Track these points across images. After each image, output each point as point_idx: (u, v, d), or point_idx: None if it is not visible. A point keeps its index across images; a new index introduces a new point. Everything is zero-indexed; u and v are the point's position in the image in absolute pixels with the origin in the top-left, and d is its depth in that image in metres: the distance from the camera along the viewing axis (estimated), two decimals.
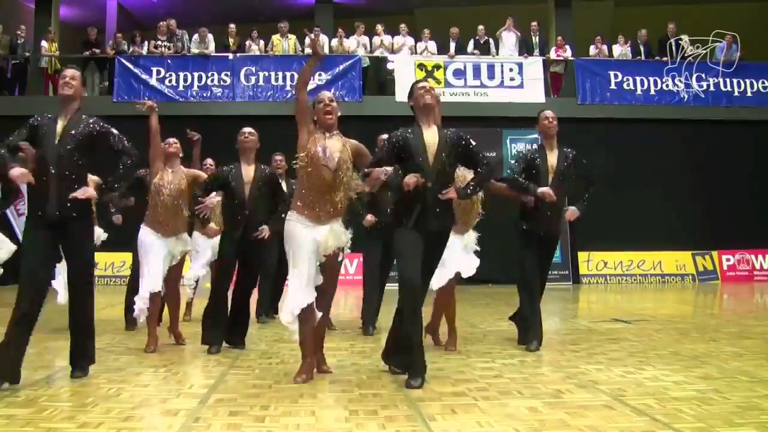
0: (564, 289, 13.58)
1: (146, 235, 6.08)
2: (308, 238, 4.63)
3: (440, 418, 3.71)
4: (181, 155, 6.31)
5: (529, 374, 4.92)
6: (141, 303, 6.02)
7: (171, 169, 6.18)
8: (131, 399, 4.15)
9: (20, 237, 13.33)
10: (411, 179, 4.53)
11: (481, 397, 4.20)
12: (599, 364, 5.30)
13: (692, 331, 7.22)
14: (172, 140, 6.30)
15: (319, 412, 3.86)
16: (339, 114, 4.84)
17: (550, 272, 6.40)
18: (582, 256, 15.07)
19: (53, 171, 4.53)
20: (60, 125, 4.63)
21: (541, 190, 5.77)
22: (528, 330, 6.01)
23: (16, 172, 4.37)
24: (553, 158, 5.97)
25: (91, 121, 4.74)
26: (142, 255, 6.08)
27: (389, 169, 4.52)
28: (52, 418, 3.69)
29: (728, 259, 15.47)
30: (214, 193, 5.97)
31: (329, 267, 4.80)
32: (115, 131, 4.82)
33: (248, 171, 5.99)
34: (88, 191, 4.62)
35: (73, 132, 4.62)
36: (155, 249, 6.02)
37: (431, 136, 4.73)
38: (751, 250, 15.46)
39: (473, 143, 4.85)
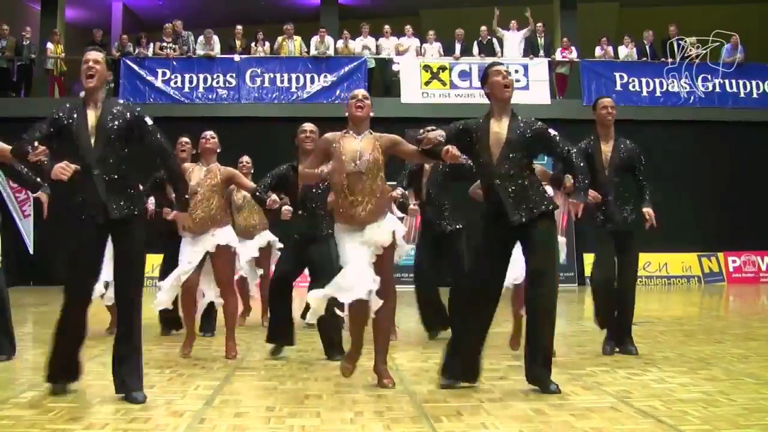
0: (570, 291, 13.56)
1: (183, 237, 5.72)
2: (356, 241, 4.47)
3: (446, 419, 3.71)
4: (218, 150, 5.88)
5: None
6: (164, 295, 5.63)
7: (205, 166, 5.79)
8: None
9: (26, 239, 13.33)
10: (453, 149, 4.25)
11: (486, 398, 4.20)
12: (604, 365, 5.29)
13: (698, 332, 7.21)
14: (209, 134, 5.89)
15: (325, 413, 3.86)
16: (372, 114, 4.68)
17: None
18: (587, 257, 15.00)
19: (96, 173, 4.04)
20: (92, 119, 4.09)
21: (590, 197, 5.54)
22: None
23: (57, 168, 3.92)
24: (608, 149, 5.84)
25: (122, 107, 4.22)
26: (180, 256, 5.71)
27: (444, 134, 4.37)
28: (57, 419, 3.70)
29: (734, 261, 15.42)
30: (274, 196, 5.67)
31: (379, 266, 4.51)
32: (149, 121, 4.26)
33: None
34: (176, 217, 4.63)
35: (109, 125, 4.09)
36: (187, 248, 5.65)
37: (501, 128, 4.56)
38: (757, 252, 15.41)
39: (551, 132, 4.60)
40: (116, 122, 4.11)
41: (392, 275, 4.73)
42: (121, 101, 4.33)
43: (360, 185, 4.47)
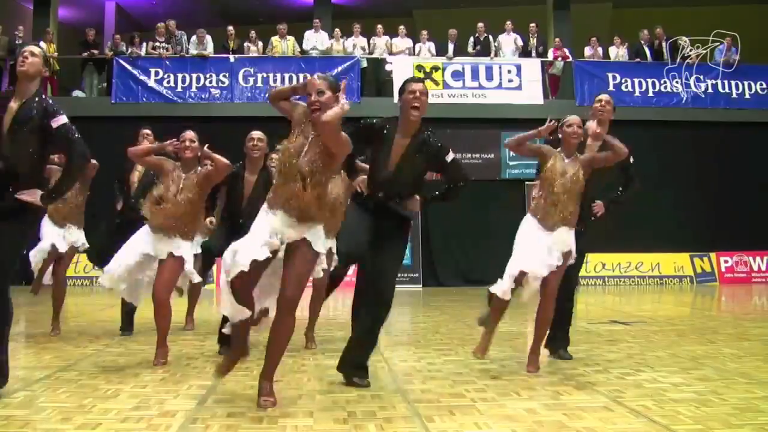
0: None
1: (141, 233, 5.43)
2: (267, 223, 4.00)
3: (438, 419, 3.71)
4: (199, 154, 5.49)
5: (527, 376, 4.92)
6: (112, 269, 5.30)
7: (184, 174, 5.40)
8: (129, 400, 4.14)
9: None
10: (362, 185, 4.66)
11: (479, 398, 4.20)
12: (597, 365, 5.30)
13: (690, 332, 7.23)
14: (188, 139, 5.49)
15: (317, 413, 3.86)
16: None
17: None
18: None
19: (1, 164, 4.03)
20: (13, 108, 4.10)
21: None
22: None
23: None
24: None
25: (43, 103, 4.15)
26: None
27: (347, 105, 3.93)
28: (49, 419, 3.68)
29: (726, 261, 15.48)
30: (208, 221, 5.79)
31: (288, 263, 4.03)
32: (60, 120, 4.14)
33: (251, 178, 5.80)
34: (34, 195, 4.08)
35: (24, 117, 4.07)
36: (145, 238, 5.36)
37: (402, 142, 4.51)
38: (749, 252, 15.48)
39: (450, 158, 4.54)
40: (31, 117, 4.10)
41: (299, 290, 3.99)
42: (47, 99, 4.22)
43: (293, 181, 4.00)
